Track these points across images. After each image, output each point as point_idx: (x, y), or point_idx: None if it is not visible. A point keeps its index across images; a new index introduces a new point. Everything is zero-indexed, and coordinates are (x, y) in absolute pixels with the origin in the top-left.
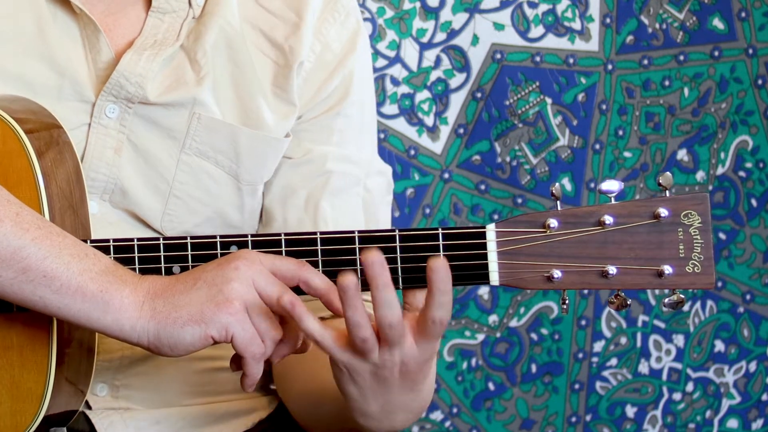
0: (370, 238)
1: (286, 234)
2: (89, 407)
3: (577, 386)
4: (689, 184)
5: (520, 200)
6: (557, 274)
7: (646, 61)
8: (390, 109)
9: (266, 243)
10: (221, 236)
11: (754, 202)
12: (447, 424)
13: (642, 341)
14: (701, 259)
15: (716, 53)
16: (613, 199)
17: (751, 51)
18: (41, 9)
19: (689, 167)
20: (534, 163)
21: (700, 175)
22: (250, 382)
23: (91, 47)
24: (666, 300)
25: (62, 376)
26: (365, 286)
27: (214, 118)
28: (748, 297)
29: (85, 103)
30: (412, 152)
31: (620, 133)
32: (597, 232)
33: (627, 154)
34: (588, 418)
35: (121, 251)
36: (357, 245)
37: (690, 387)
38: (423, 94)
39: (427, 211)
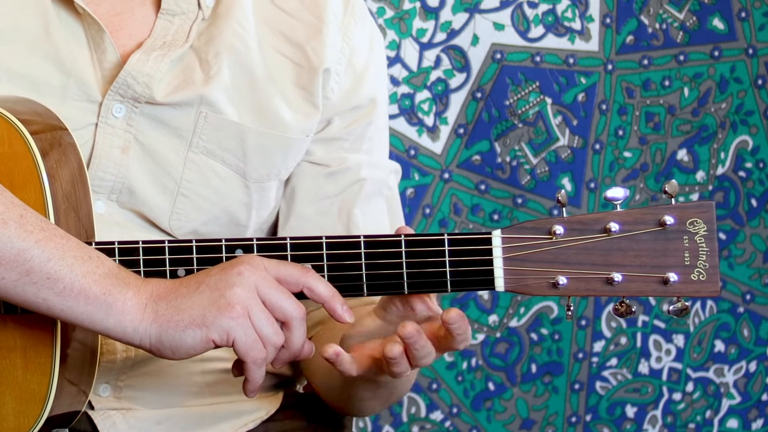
0: (375, 243)
1: (291, 238)
2: (92, 407)
3: (577, 386)
4: (689, 184)
5: (520, 200)
6: (562, 280)
7: (646, 61)
8: (390, 109)
9: (271, 247)
10: (226, 240)
11: (754, 202)
12: (447, 424)
13: (642, 341)
14: (706, 267)
15: (716, 53)
16: (618, 206)
17: (751, 51)
18: (46, 9)
19: (689, 167)
20: (534, 163)
21: (700, 175)
22: (251, 387)
23: (96, 47)
24: (671, 307)
25: (65, 377)
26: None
27: (220, 116)
28: (748, 297)
29: (92, 103)
30: (412, 152)
31: (620, 133)
32: (602, 239)
33: (627, 154)
34: (588, 418)
35: (126, 254)
36: (362, 250)
37: (690, 387)
38: (423, 94)
39: (427, 211)
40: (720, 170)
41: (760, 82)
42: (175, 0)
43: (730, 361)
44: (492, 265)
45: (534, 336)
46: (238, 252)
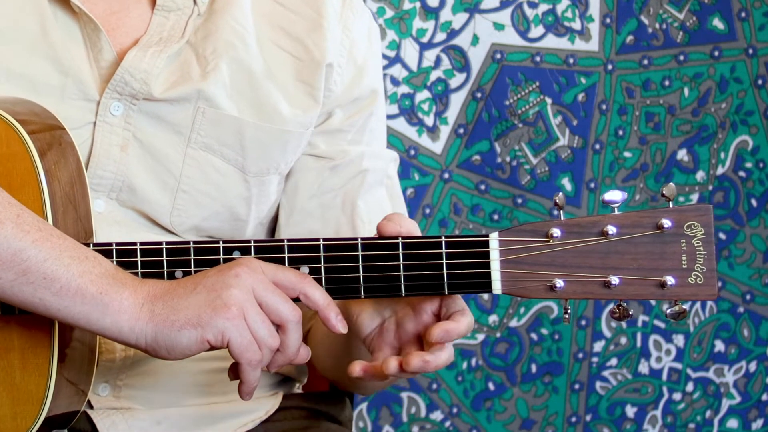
0: (373, 246)
1: (288, 240)
2: (91, 407)
3: (577, 386)
4: (689, 184)
5: (520, 200)
6: (560, 283)
7: (646, 61)
8: (390, 109)
9: (269, 248)
10: (224, 241)
11: (754, 202)
12: (447, 424)
13: (642, 341)
14: (704, 271)
15: (716, 53)
16: (616, 209)
17: (751, 51)
18: (43, 8)
19: (689, 167)
20: (534, 163)
21: (700, 175)
22: (246, 390)
23: (92, 46)
24: (668, 311)
25: (63, 377)
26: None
27: (218, 111)
28: (748, 297)
29: (90, 101)
30: (412, 152)
31: (620, 133)
32: (600, 242)
33: (627, 154)
34: (588, 418)
35: (124, 255)
36: (360, 252)
37: (690, 387)
38: (423, 94)
39: (427, 211)
40: (720, 170)
41: (760, 82)
42: None
43: (730, 361)
44: (489, 267)
45: (534, 336)
46: (236, 254)
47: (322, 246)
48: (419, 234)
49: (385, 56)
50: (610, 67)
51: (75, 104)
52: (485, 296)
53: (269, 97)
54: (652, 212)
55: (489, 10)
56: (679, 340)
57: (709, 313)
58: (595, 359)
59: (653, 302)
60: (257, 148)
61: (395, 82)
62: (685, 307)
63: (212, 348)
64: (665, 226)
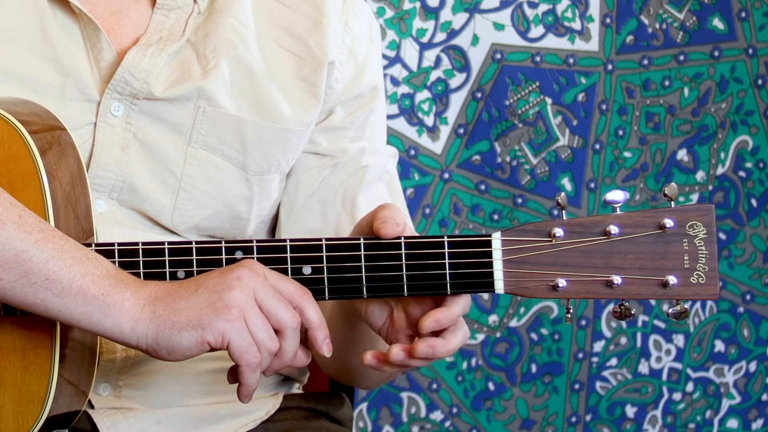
0: (375, 246)
1: (291, 240)
2: (92, 406)
3: (577, 386)
4: (689, 184)
5: (520, 200)
6: (562, 283)
7: (646, 61)
8: (390, 109)
9: (271, 248)
10: (226, 241)
11: (754, 202)
12: (447, 424)
13: (642, 341)
14: (706, 270)
15: (716, 53)
16: (618, 209)
17: (751, 51)
18: (43, 9)
19: (689, 167)
20: (534, 163)
21: (700, 175)
22: (245, 392)
23: (92, 47)
24: (670, 310)
25: (64, 378)
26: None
27: (218, 110)
28: (748, 297)
29: (90, 102)
30: (412, 152)
31: (620, 133)
32: (602, 241)
33: (627, 154)
34: (588, 418)
35: (126, 255)
36: (362, 252)
37: (690, 387)
38: (423, 94)
39: (427, 211)
40: (720, 170)
41: (760, 82)
42: None
43: (730, 361)
44: (492, 267)
45: (534, 336)
46: (238, 253)
47: (324, 246)
48: (412, 229)
49: (385, 56)
50: (610, 67)
51: (75, 105)
52: (486, 296)
53: (270, 96)
54: (654, 212)
55: (489, 10)
56: (679, 340)
57: (709, 313)
58: (595, 359)
59: (653, 301)
60: (258, 146)
61: (395, 82)
62: (687, 306)
63: (213, 349)
64: (667, 225)
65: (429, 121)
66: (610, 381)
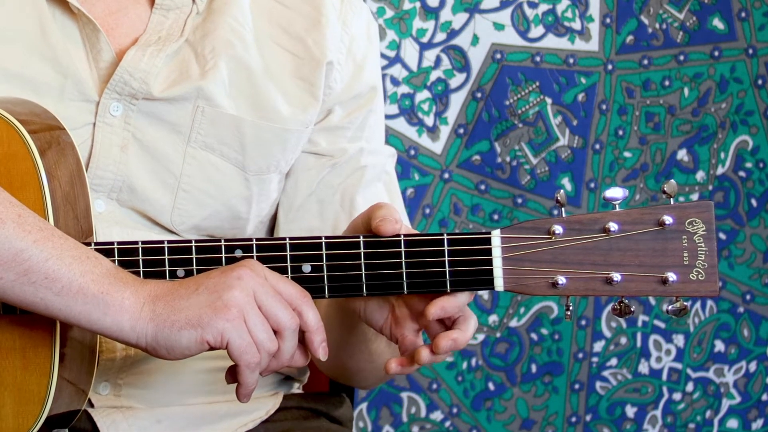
0: (375, 243)
1: (290, 238)
2: (92, 405)
3: (577, 386)
4: (689, 184)
5: (520, 200)
6: (561, 280)
7: (646, 61)
8: (390, 109)
9: (271, 247)
10: (226, 240)
11: (754, 202)
12: (447, 424)
13: (642, 341)
14: (705, 267)
15: (716, 53)
16: (617, 206)
17: (751, 51)
18: (42, 9)
19: (689, 167)
20: (534, 163)
21: (700, 175)
22: (244, 392)
23: (91, 47)
24: (669, 307)
25: (64, 377)
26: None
27: (217, 110)
28: (748, 297)
29: (89, 102)
30: (412, 152)
31: (620, 133)
32: (602, 239)
33: (627, 154)
34: (588, 418)
35: (126, 254)
36: (362, 250)
37: (690, 387)
38: (423, 94)
39: (427, 211)
40: (720, 170)
41: (760, 82)
42: None
43: (730, 361)
44: (491, 264)
45: (534, 336)
46: (238, 252)
47: (324, 244)
48: (410, 226)
49: (385, 56)
50: (610, 67)
51: (74, 105)
52: (485, 296)
53: (268, 96)
54: (654, 209)
55: (489, 10)
56: (679, 340)
57: (709, 313)
58: (595, 359)
59: (653, 301)
60: (257, 146)
61: (395, 82)
62: (687, 303)
63: (212, 348)
64: (666, 222)
65: (429, 121)
66: (610, 381)
